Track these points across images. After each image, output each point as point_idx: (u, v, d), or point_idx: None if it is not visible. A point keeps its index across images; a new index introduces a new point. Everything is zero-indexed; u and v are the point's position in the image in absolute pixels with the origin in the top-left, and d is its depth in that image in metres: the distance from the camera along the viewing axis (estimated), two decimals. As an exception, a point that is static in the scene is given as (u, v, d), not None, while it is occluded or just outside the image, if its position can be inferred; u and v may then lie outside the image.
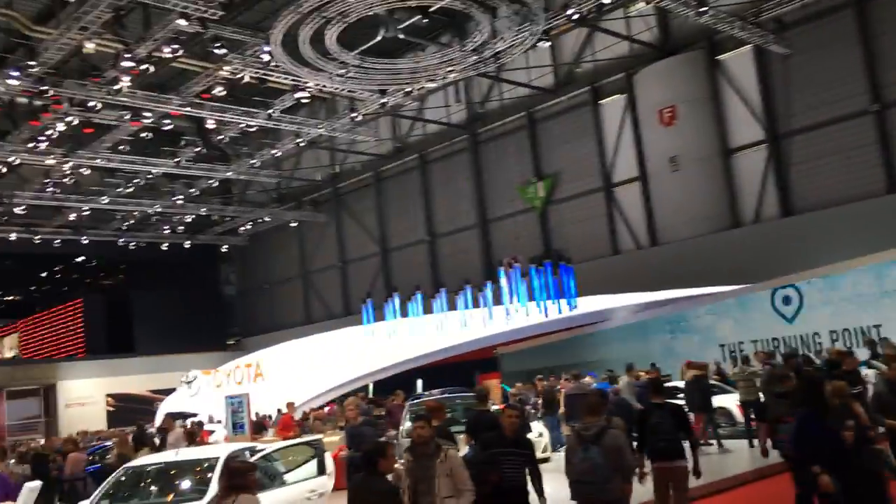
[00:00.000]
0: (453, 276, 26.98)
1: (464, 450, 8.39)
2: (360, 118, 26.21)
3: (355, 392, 21.53)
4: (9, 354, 40.86)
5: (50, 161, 25.07)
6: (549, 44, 22.30)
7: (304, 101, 24.46)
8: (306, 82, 22.15)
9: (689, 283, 20.95)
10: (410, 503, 6.56)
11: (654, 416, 7.79)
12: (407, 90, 23.46)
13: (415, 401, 13.56)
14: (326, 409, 19.57)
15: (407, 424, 11.98)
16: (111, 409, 34.32)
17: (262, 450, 9.73)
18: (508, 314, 21.50)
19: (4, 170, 25.26)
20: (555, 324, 21.48)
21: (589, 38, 25.63)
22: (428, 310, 23.67)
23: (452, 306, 22.98)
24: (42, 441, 19.56)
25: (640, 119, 24.26)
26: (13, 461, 14.10)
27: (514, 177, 27.55)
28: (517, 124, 27.73)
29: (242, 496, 5.65)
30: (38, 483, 9.19)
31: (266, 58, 20.34)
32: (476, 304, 22.29)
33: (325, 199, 34.97)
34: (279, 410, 20.41)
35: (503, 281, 21.39)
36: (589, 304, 21.01)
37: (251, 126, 25.49)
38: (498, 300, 21.79)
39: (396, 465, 6.66)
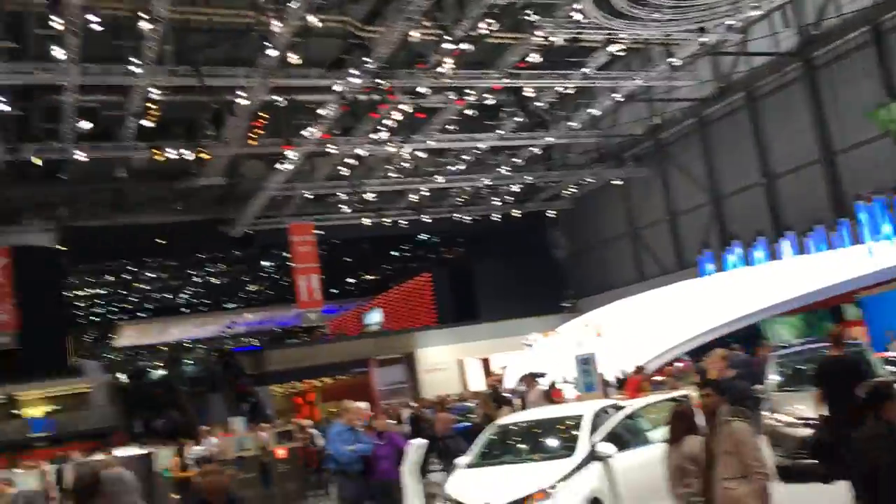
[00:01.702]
0: (797, 217, 24.74)
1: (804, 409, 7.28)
2: (677, 63, 25.01)
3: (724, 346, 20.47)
4: (373, 327, 45.71)
5: (390, 148, 27.31)
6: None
7: (617, 54, 23.97)
8: (619, 34, 21.61)
9: None
10: (703, 483, 5.78)
11: None
12: (728, 23, 21.86)
13: (785, 351, 11.96)
14: (681, 364, 19.03)
15: (774, 378, 11.00)
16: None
17: (623, 407, 9.65)
18: (871, 253, 19.20)
19: (355, 162, 28.11)
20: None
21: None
22: (773, 255, 22.01)
23: (802, 249, 21.11)
24: (413, 404, 21.58)
25: None
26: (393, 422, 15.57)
27: (862, 100, 24.40)
28: (861, 41, 24.46)
29: (690, 437, 6.14)
30: (424, 441, 9.99)
31: (577, 16, 20.18)
32: (830, 245, 20.25)
33: (647, 152, 34.00)
34: (623, 373, 20.29)
35: (862, 217, 19.14)
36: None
37: (567, 88, 25.55)
38: (857, 239, 19.56)
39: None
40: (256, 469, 16.60)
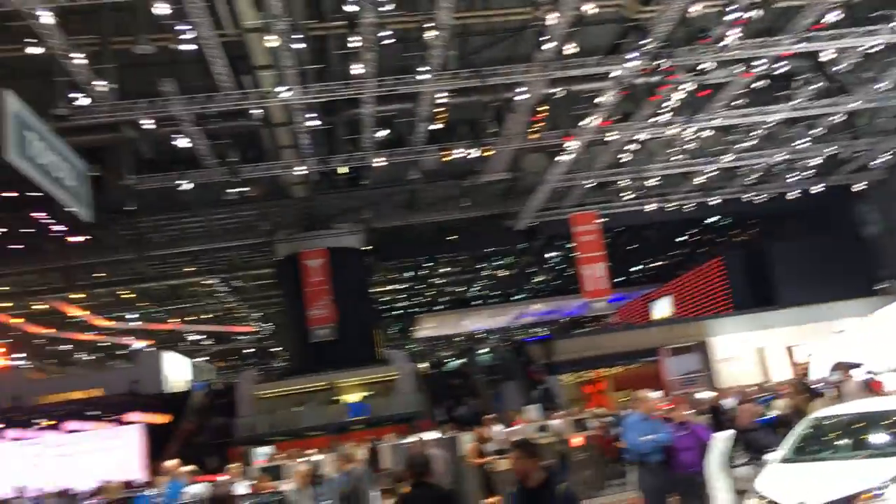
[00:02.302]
0: None
1: None
2: None
3: None
4: (662, 315, 44.44)
5: (672, 130, 26.39)
6: None
7: (935, -1, 21.08)
8: (937, -24, 18.98)
9: None
10: None
11: None
12: None
13: None
14: None
15: None
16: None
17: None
18: None
19: (636, 147, 27.55)
20: None
21: None
22: None
23: None
24: (712, 394, 20.65)
25: None
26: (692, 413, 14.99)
27: None
28: None
29: None
30: (731, 432, 9.53)
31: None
32: None
33: (978, 108, 29.47)
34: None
35: None
36: None
37: (874, 46, 22.95)
38: None
39: None
40: (554, 456, 16.86)
